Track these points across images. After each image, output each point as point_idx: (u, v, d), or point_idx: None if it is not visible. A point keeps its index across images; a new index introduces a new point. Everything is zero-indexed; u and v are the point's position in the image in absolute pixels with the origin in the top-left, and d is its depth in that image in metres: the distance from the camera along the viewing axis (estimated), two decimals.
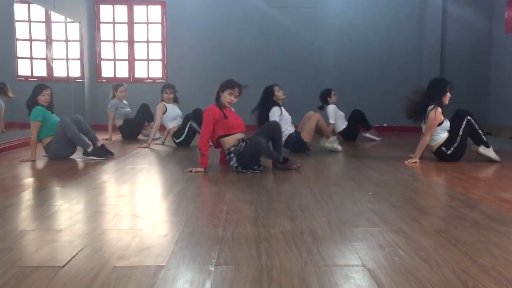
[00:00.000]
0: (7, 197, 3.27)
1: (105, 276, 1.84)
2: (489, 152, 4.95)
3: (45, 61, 7.81)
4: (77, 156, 5.24)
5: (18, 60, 7.17)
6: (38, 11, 7.65)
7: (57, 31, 8.43)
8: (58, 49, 8.36)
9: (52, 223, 2.67)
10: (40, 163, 4.86)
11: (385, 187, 3.70)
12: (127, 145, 6.57)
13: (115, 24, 9.52)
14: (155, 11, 9.48)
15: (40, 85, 5.25)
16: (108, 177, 4.21)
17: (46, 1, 7.45)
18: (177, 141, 6.50)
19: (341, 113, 7.30)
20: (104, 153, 5.14)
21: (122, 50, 9.53)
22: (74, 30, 8.86)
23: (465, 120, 4.88)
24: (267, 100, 5.87)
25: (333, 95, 7.23)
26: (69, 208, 2.99)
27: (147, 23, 9.51)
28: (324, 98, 7.25)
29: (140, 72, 9.56)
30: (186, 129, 6.43)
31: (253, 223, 2.60)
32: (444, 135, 4.96)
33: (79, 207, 3.07)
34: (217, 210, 2.94)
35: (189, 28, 9.25)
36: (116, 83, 7.82)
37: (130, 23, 9.48)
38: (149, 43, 9.53)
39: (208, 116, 4.37)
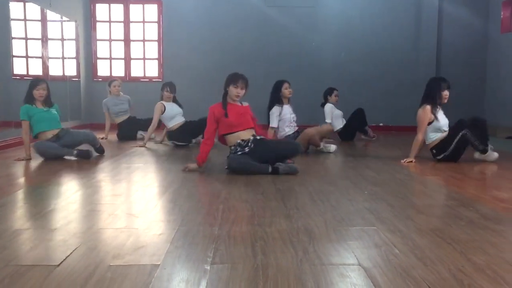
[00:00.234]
0: (2, 196, 3.25)
1: (100, 275, 1.83)
2: (486, 157, 4.93)
3: (40, 59, 7.79)
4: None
5: (14, 58, 7.15)
6: (33, 10, 7.63)
7: (53, 30, 8.41)
8: (54, 48, 8.34)
9: (47, 222, 2.65)
10: (35, 162, 4.84)
11: (381, 186, 3.70)
12: (123, 144, 6.55)
13: (111, 23, 9.50)
14: (151, 10, 9.47)
15: (35, 79, 5.23)
16: (104, 176, 4.20)
17: (42, 0, 7.42)
18: (177, 143, 6.44)
19: (339, 112, 7.28)
20: (87, 156, 5.01)
21: (118, 49, 9.51)
22: (70, 28, 8.84)
23: (460, 134, 4.80)
24: (272, 96, 5.86)
25: (334, 95, 7.21)
26: (64, 207, 2.98)
27: (143, 22, 9.49)
28: (325, 96, 7.25)
29: (136, 71, 9.54)
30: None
31: (249, 222, 2.60)
32: (436, 135, 4.94)
33: (74, 205, 3.05)
34: (213, 209, 2.93)
35: (185, 27, 9.24)
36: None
37: (126, 22, 9.46)
38: (145, 42, 9.51)
39: (209, 116, 4.35)
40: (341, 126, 7.30)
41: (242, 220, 2.65)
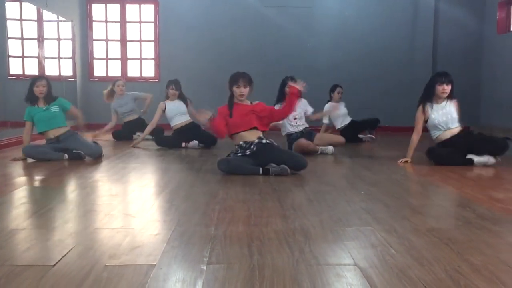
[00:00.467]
0: None
1: (96, 275, 1.83)
2: (487, 162, 4.86)
3: (37, 59, 7.77)
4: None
5: (10, 58, 7.12)
6: (30, 10, 7.61)
7: (49, 30, 8.38)
8: (50, 48, 8.32)
9: (43, 222, 2.65)
10: (32, 162, 4.82)
11: (378, 186, 3.71)
12: (120, 145, 6.54)
13: (108, 23, 9.48)
14: (148, 10, 9.46)
15: (35, 77, 5.27)
16: (100, 176, 4.19)
17: None
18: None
19: (343, 111, 7.17)
20: (79, 158, 4.98)
21: (115, 49, 9.50)
22: (66, 28, 8.82)
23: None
24: (279, 93, 5.82)
25: (337, 92, 7.15)
26: (60, 207, 2.97)
27: (140, 22, 9.48)
28: (329, 93, 7.23)
29: (133, 71, 9.53)
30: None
31: (246, 222, 2.60)
32: (437, 133, 4.92)
33: (70, 206, 3.05)
34: (209, 209, 2.93)
35: (182, 27, 9.23)
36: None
37: (123, 22, 9.45)
38: (142, 42, 9.50)
39: (217, 115, 4.31)
40: (346, 123, 7.20)
41: (239, 220, 2.65)
